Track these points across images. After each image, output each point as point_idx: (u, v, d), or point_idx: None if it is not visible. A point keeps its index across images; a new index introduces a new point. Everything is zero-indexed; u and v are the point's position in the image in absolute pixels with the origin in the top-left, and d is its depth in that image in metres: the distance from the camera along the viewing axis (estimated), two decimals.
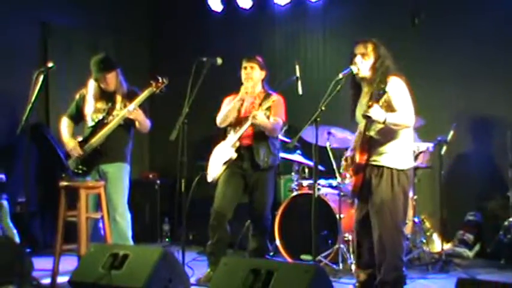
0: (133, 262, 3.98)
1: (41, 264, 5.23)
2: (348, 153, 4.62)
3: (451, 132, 5.73)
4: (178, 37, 8.14)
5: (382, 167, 4.26)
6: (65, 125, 5.56)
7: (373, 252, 4.32)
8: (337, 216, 5.58)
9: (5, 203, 6.09)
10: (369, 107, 4.09)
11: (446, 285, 5.14)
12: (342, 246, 5.55)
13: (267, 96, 5.37)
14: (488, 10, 6.28)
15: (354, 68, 4.30)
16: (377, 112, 4.09)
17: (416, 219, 5.86)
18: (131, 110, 5.24)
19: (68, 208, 5.09)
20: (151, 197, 7.56)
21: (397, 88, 4.20)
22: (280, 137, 5.63)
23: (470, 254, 6.10)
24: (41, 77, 4.89)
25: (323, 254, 5.57)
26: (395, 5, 6.69)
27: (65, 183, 5.10)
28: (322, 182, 6.00)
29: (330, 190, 5.96)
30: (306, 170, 6.40)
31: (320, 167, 5.69)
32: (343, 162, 4.68)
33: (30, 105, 4.83)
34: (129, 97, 5.42)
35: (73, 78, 6.53)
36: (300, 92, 6.05)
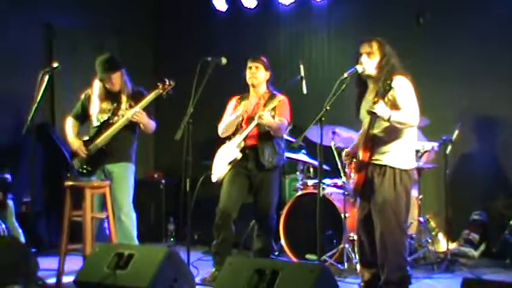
0: (139, 262, 3.98)
1: (46, 264, 5.24)
2: (349, 148, 4.61)
3: (456, 132, 5.72)
4: (183, 37, 8.14)
5: (385, 166, 4.26)
6: (70, 125, 5.58)
7: (376, 251, 4.32)
8: (342, 215, 5.58)
9: (10, 202, 6.10)
10: (374, 103, 4.09)
11: (451, 285, 5.13)
12: (347, 245, 5.54)
13: (271, 96, 5.38)
14: (493, 9, 6.26)
15: (359, 68, 4.30)
16: (382, 108, 4.08)
17: (421, 219, 5.85)
18: (136, 113, 5.24)
19: (73, 208, 5.10)
20: (156, 196, 7.55)
21: (402, 87, 4.20)
22: (286, 136, 5.63)
23: (475, 253, 6.09)
24: (46, 77, 4.91)
25: (328, 254, 5.56)
26: (400, 5, 6.68)
27: (70, 183, 5.11)
28: (327, 181, 5.99)
29: (334, 189, 5.96)
30: (311, 170, 6.40)
31: (325, 167, 5.68)
32: (344, 156, 4.67)
33: (36, 105, 4.86)
34: (135, 97, 5.43)
35: (78, 78, 6.55)
36: (305, 91, 6.06)
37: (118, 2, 7.95)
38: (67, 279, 4.96)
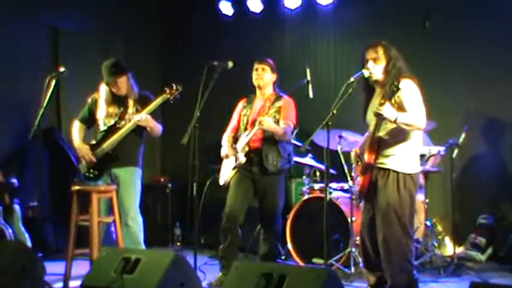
0: (145, 266, 3.97)
1: (53, 268, 5.25)
2: (358, 148, 4.61)
3: (463, 135, 5.72)
4: (189, 41, 8.15)
5: (388, 170, 4.25)
6: (76, 129, 5.58)
7: (380, 255, 4.31)
8: (349, 219, 5.57)
9: (16, 207, 6.11)
10: (381, 104, 4.08)
11: None
12: (353, 249, 5.53)
13: (277, 98, 5.38)
14: (499, 12, 6.26)
15: (365, 72, 4.30)
16: (388, 110, 4.08)
17: (428, 223, 5.83)
18: (143, 118, 5.25)
19: (80, 212, 5.11)
20: (162, 200, 7.54)
21: (409, 90, 4.20)
22: (293, 141, 5.62)
23: (482, 257, 6.06)
24: (53, 82, 4.92)
25: (335, 258, 5.55)
26: (406, 8, 6.68)
27: (77, 188, 5.11)
28: (333, 185, 5.99)
29: (341, 193, 5.96)
30: (317, 174, 6.39)
31: (331, 171, 5.68)
32: (352, 156, 4.66)
33: (42, 110, 4.86)
34: (141, 101, 5.44)
35: (84, 82, 6.57)
36: (311, 95, 6.06)
37: (124, 6, 7.96)
38: (74, 283, 4.97)
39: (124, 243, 5.23)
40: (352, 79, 4.29)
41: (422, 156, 5.46)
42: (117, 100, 5.48)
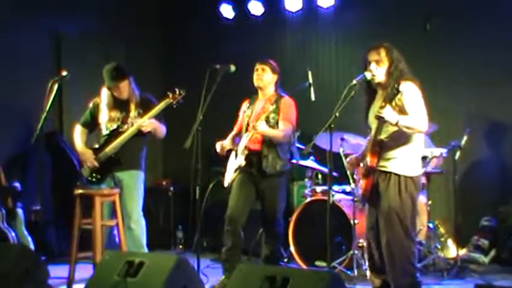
0: (149, 270, 3.97)
1: (57, 272, 5.24)
2: (353, 156, 4.61)
3: (465, 137, 5.71)
4: (190, 44, 8.17)
5: (390, 173, 4.25)
6: (78, 133, 5.59)
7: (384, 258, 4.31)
8: (352, 221, 5.57)
9: (19, 211, 6.11)
10: (382, 107, 4.08)
11: None
12: (356, 252, 5.53)
13: (278, 99, 5.36)
14: (501, 14, 6.27)
15: (367, 74, 4.30)
16: (389, 113, 4.07)
17: (430, 225, 5.83)
18: (146, 124, 5.25)
19: (83, 216, 5.12)
20: (164, 203, 7.56)
21: (410, 93, 4.19)
22: (295, 142, 5.62)
23: (485, 259, 6.06)
24: (56, 86, 4.93)
25: (337, 260, 5.55)
26: (407, 11, 6.69)
27: (80, 191, 5.12)
28: (335, 188, 5.99)
29: (343, 196, 5.96)
30: (319, 176, 6.39)
31: (333, 173, 5.67)
32: (346, 164, 4.67)
33: (45, 114, 4.86)
34: (143, 104, 5.45)
35: (86, 86, 6.58)
36: (313, 98, 6.05)
37: (125, 10, 7.98)
38: (77, 287, 4.97)
39: (127, 246, 5.23)
40: (354, 81, 4.29)
41: (424, 158, 5.46)
42: (119, 104, 5.48)
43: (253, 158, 5.31)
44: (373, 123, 4.35)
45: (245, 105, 5.58)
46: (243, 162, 5.28)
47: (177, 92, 5.27)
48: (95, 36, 7.59)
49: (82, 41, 7.45)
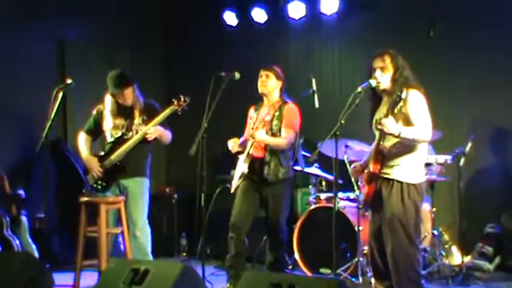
0: (154, 277, 3.96)
1: (61, 279, 5.24)
2: (357, 164, 4.61)
3: (469, 144, 5.70)
4: (193, 51, 8.18)
5: (393, 180, 4.23)
6: (83, 141, 5.59)
7: (388, 265, 4.30)
8: (356, 228, 5.56)
9: (24, 218, 6.12)
10: (383, 118, 4.07)
11: None
12: (361, 259, 5.52)
13: (281, 105, 5.36)
14: (504, 20, 6.27)
15: (372, 82, 4.29)
16: (391, 124, 4.06)
17: (435, 232, 5.82)
18: (151, 131, 5.26)
19: (88, 223, 5.11)
20: (168, 211, 7.55)
21: (415, 102, 4.17)
22: (299, 149, 5.62)
23: (490, 266, 6.04)
24: (61, 94, 4.93)
25: (342, 268, 5.54)
26: (410, 18, 6.70)
27: (85, 199, 5.12)
28: (340, 194, 5.98)
29: (348, 203, 5.95)
30: (323, 183, 6.39)
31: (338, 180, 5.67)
32: (351, 171, 4.66)
33: (50, 122, 4.87)
34: (147, 110, 5.45)
35: (90, 93, 6.58)
36: (317, 105, 6.06)
37: (129, 17, 8.00)
38: None
39: (132, 254, 5.22)
40: (359, 89, 4.28)
41: (428, 165, 5.46)
42: (123, 111, 5.48)
43: (256, 165, 5.31)
44: (377, 130, 4.35)
45: (251, 111, 5.58)
46: (246, 170, 5.28)
47: (182, 99, 5.27)
48: (99, 43, 7.61)
49: (86, 47, 7.48)
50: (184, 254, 7.43)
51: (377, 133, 4.28)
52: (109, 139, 5.47)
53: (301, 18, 7.39)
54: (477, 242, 6.20)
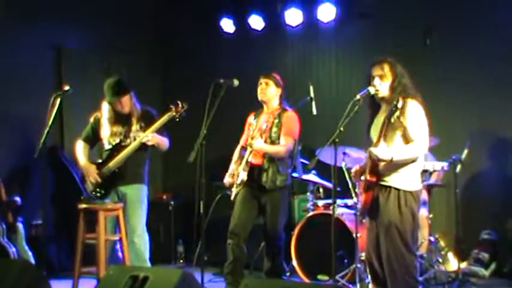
0: (153, 284, 3.95)
1: (59, 287, 5.22)
2: (357, 166, 4.61)
3: (466, 151, 5.73)
4: (191, 58, 8.19)
5: (390, 187, 4.24)
6: (81, 148, 5.58)
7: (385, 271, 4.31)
8: (354, 235, 5.57)
9: (20, 225, 6.10)
10: (371, 147, 4.08)
11: None
12: (358, 265, 5.52)
13: (281, 113, 5.38)
14: (500, 29, 6.30)
15: (371, 89, 4.30)
16: (381, 153, 4.07)
17: (431, 238, 5.84)
18: (149, 138, 5.26)
19: (86, 230, 5.11)
20: (165, 218, 7.53)
21: (413, 114, 4.16)
22: (298, 157, 5.63)
23: (486, 273, 6.07)
24: (58, 101, 4.92)
25: (340, 274, 5.54)
26: (407, 26, 6.73)
27: (84, 206, 5.12)
28: (338, 201, 5.97)
29: (345, 210, 5.96)
30: (321, 190, 6.40)
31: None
32: (352, 173, 4.67)
33: (48, 128, 4.86)
34: (144, 117, 5.46)
35: (87, 100, 6.59)
36: (315, 112, 6.07)
37: (125, 24, 8.00)
38: None
39: (130, 261, 5.21)
40: (358, 96, 4.28)
41: (425, 171, 5.48)
42: (120, 118, 5.48)
43: (255, 172, 5.32)
44: (374, 137, 4.35)
45: (251, 117, 5.59)
46: (245, 177, 5.29)
47: (180, 105, 5.28)
48: (96, 50, 7.61)
49: (83, 54, 7.47)
50: (181, 261, 7.41)
51: (375, 140, 4.28)
52: (107, 146, 5.47)
53: (298, 25, 7.39)
54: (473, 248, 6.23)
